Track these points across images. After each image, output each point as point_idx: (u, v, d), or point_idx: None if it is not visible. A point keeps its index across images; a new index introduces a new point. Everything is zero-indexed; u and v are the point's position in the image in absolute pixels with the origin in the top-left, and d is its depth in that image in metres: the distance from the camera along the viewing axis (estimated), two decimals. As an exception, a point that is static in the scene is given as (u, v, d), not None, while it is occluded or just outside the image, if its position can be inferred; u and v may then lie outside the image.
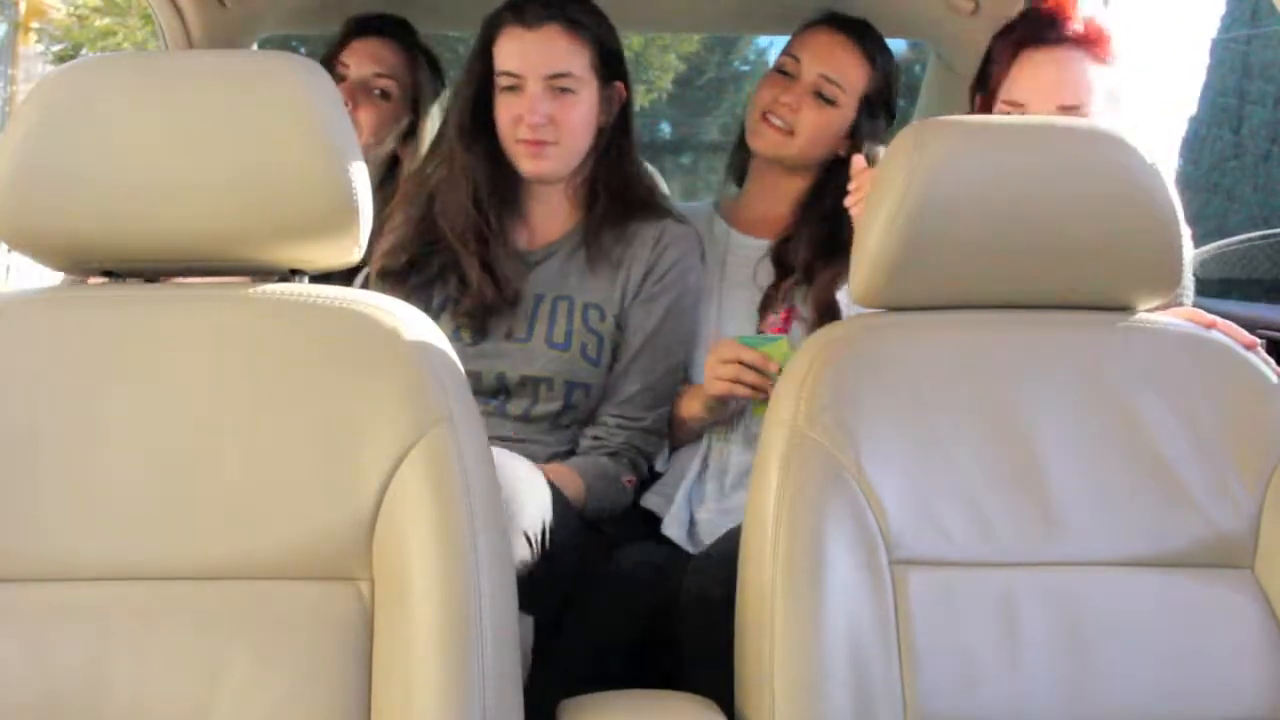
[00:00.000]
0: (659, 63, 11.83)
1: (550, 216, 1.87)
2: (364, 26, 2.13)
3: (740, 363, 1.73)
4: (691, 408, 1.86)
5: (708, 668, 1.39)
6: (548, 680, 1.49)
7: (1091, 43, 1.75)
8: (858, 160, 1.75)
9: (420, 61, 2.15)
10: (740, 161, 2.07)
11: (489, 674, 1.09)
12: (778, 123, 1.94)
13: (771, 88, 1.96)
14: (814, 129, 1.94)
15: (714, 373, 1.77)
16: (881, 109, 1.99)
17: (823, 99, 1.93)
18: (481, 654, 1.09)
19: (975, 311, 1.28)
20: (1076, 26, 1.75)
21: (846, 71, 1.94)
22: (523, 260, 1.84)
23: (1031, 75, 1.75)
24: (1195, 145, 12.99)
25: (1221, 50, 13.44)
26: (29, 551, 1.12)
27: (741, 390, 1.75)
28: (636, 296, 1.84)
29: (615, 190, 1.86)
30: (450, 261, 1.82)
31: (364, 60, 2.09)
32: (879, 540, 1.19)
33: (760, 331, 1.89)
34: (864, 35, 1.97)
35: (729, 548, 1.64)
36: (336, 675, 1.10)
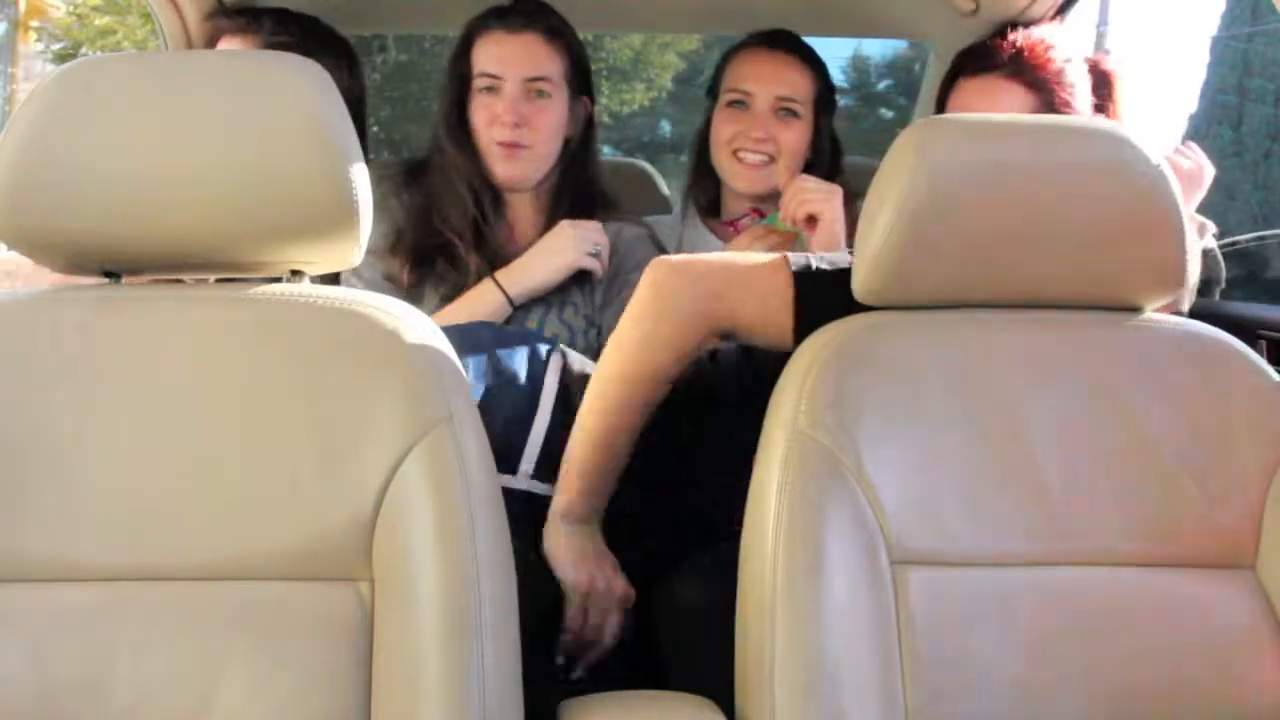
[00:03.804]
0: (659, 61, 11.83)
1: (520, 220, 1.93)
2: (244, 24, 1.94)
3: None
4: None
5: (692, 674, 1.39)
6: (548, 680, 1.49)
7: (1030, 68, 1.75)
8: (782, 177, 1.87)
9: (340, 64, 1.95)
10: (712, 189, 2.06)
11: (489, 673, 1.10)
12: (754, 158, 1.96)
13: (731, 123, 1.97)
14: (791, 146, 1.96)
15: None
16: (828, 103, 2.04)
17: (787, 113, 1.96)
18: (481, 653, 1.10)
19: (977, 311, 1.28)
20: (1012, 51, 1.75)
21: (799, 87, 1.98)
22: (508, 255, 1.89)
23: (957, 103, 1.79)
24: (1195, 143, 12.96)
25: (1222, 48, 13.43)
26: (29, 552, 1.12)
27: None
28: (607, 303, 1.89)
29: (577, 198, 1.93)
30: (444, 252, 1.86)
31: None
32: (879, 540, 1.19)
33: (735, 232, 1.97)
34: (798, 46, 2.01)
35: (714, 556, 1.65)
36: (337, 675, 1.10)
